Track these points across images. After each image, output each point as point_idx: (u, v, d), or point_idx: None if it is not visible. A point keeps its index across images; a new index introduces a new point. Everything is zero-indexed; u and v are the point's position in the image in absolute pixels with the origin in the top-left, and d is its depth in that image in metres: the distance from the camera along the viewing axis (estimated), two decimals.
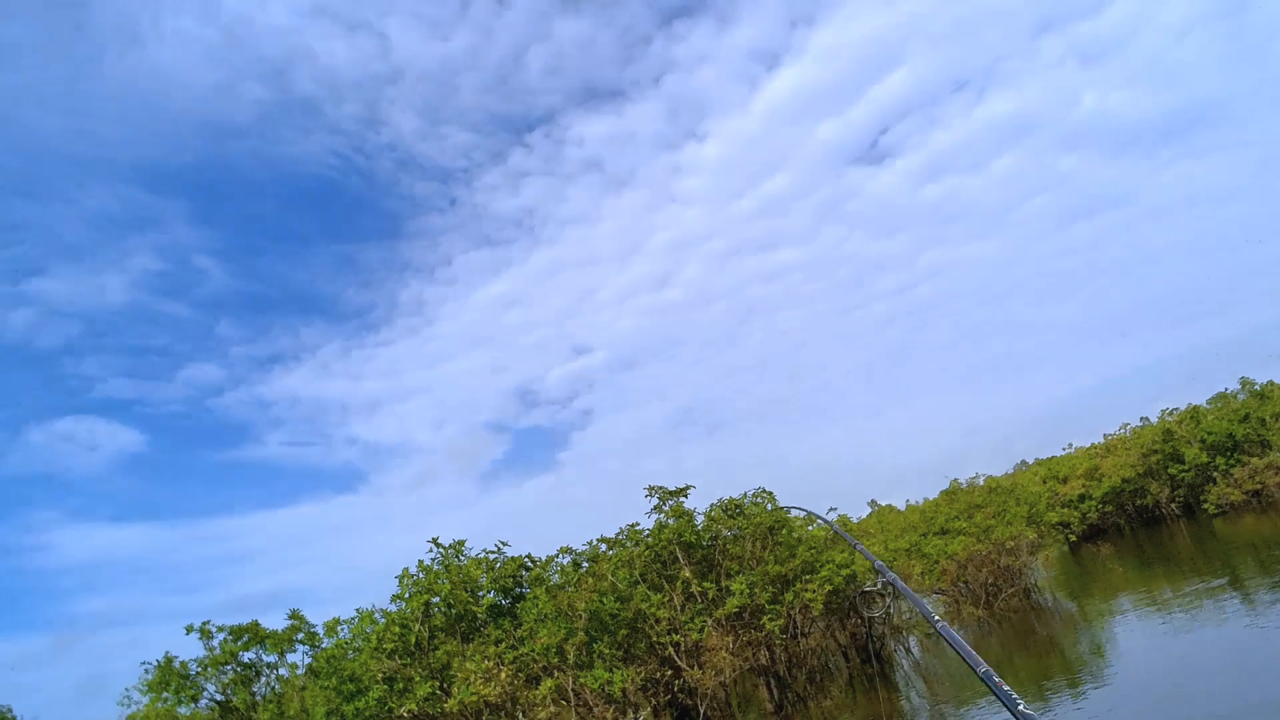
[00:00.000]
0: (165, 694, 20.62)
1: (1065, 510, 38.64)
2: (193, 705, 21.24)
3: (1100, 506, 40.17)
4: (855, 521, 26.59)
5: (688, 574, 17.33)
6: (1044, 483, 41.75)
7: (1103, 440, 46.24)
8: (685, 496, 18.03)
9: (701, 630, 16.67)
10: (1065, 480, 41.15)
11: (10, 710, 26.60)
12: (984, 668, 2.91)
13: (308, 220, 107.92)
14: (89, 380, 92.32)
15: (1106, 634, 18.75)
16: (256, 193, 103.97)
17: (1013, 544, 25.68)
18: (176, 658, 20.19)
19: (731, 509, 18.68)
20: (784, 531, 18.80)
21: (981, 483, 38.87)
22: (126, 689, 27.26)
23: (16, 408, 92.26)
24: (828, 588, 18.09)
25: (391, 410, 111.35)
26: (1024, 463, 59.93)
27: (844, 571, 18.80)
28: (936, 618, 3.34)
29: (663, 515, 18.20)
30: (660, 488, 18.05)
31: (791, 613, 18.07)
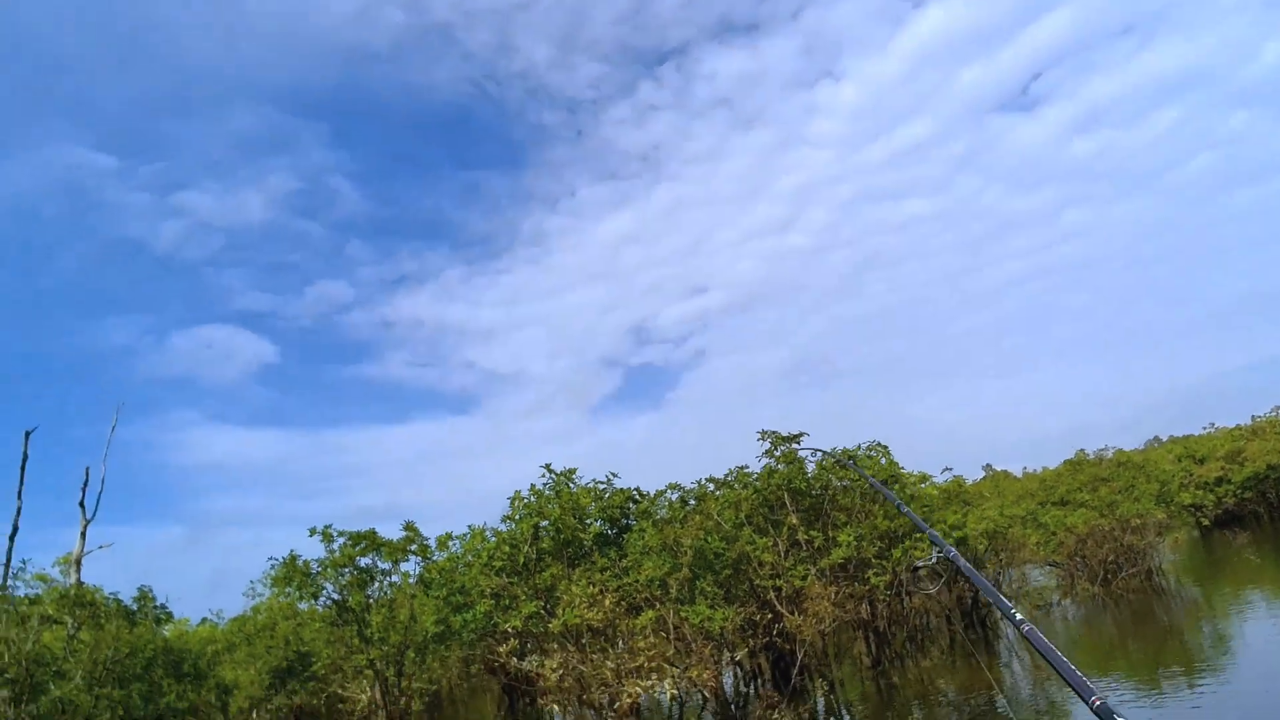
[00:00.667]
0: (288, 589, 21.84)
1: (1200, 492, 36.44)
2: (312, 601, 22.48)
3: (1240, 492, 37.71)
4: (969, 484, 25.80)
5: (794, 521, 17.16)
6: (1178, 461, 39.44)
7: (1250, 423, 43.28)
8: (798, 443, 17.80)
9: (804, 578, 16.52)
10: (1203, 461, 38.75)
11: (150, 590, 28.91)
12: (1067, 667, 2.63)
13: (437, 146, 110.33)
14: (228, 292, 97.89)
15: (1232, 626, 17.70)
16: (390, 118, 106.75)
17: (1139, 522, 24.43)
18: (300, 557, 21.34)
19: (844, 459, 18.33)
20: (896, 487, 18.36)
21: (1110, 455, 36.99)
22: (251, 581, 29.17)
23: (163, 314, 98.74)
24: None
25: (508, 338, 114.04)
26: (1157, 439, 56.76)
27: (956, 533, 18.26)
28: (1019, 616, 3.05)
29: (773, 460, 18.03)
30: (773, 432, 17.87)
31: (897, 570, 17.72)
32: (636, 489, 17.48)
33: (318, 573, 21.32)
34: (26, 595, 17.42)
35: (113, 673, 14.56)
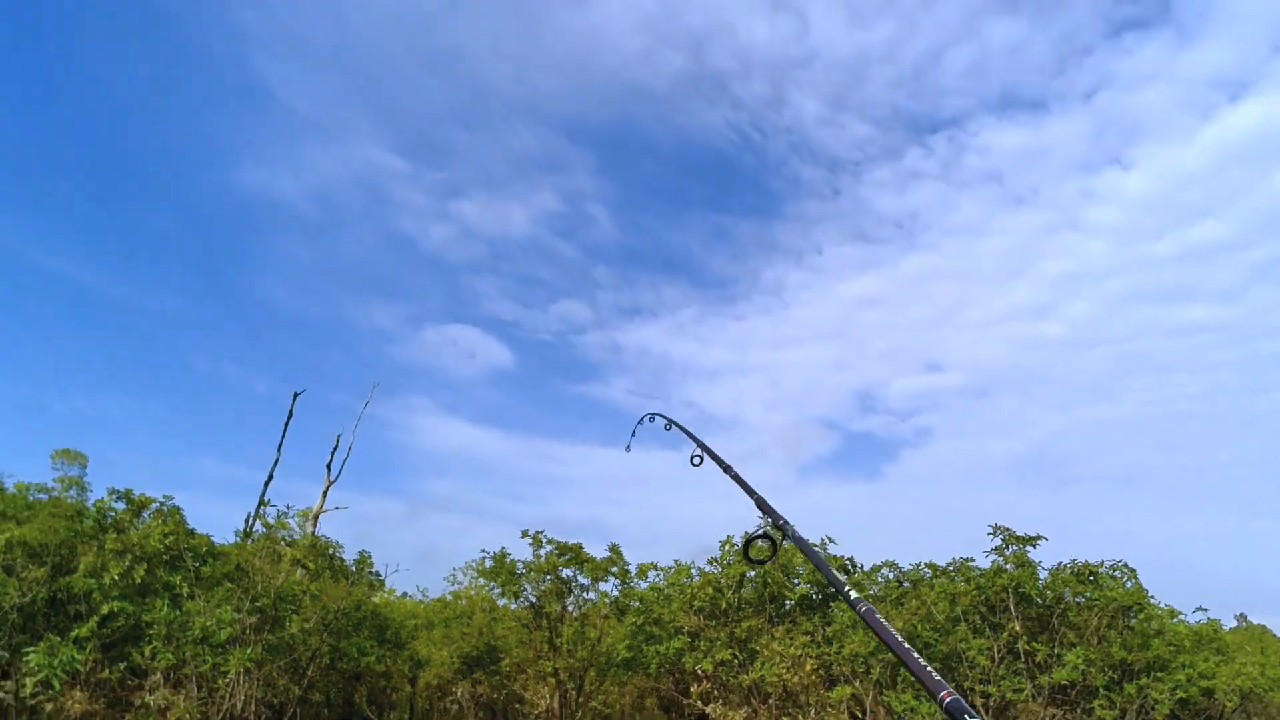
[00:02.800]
0: (493, 583, 22.84)
1: None
2: (512, 600, 23.38)
3: None
4: (1225, 631, 22.84)
5: (1017, 628, 15.92)
6: None
7: None
8: (1034, 545, 16.53)
9: (1019, 691, 15.27)
10: None
11: (370, 556, 31.27)
12: None
13: (694, 187, 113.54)
14: (480, 297, 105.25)
15: None
16: (654, 154, 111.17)
17: None
18: (509, 555, 22.29)
19: (1084, 574, 16.83)
20: (1141, 616, 16.61)
21: None
22: (454, 568, 30.79)
23: (421, 307, 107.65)
24: (1180, 694, 15.74)
25: (730, 382, 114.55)
26: None
27: (1204, 683, 16.24)
28: (862, 603, 2.46)
29: (1001, 559, 16.85)
30: (1007, 529, 16.71)
31: (1128, 707, 15.96)
32: (850, 559, 16.90)
33: (522, 574, 22.20)
34: (281, 536, 19.29)
35: (334, 623, 15.76)
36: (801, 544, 2.75)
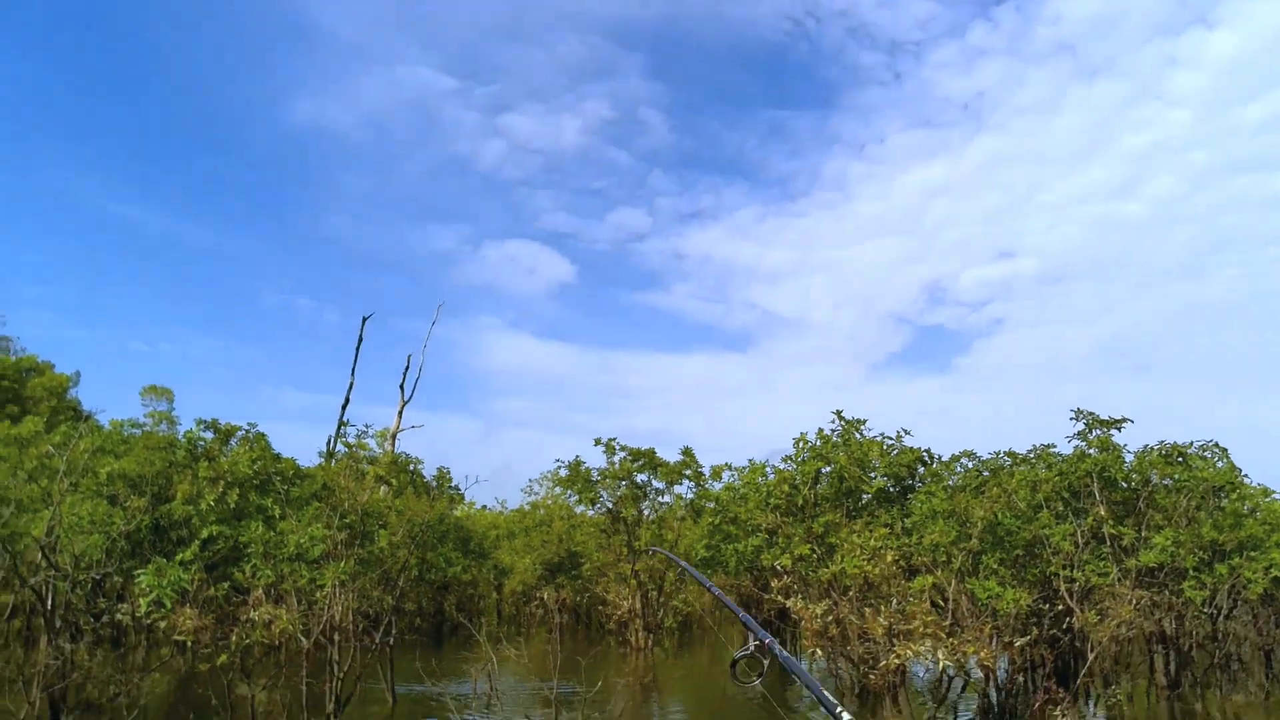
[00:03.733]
0: (570, 491, 23.26)
1: None
2: (589, 507, 23.83)
3: None
4: None
5: (1102, 512, 15.62)
6: None
7: None
8: (1118, 429, 16.09)
9: (1105, 575, 15.06)
10: None
11: (449, 471, 32.14)
12: None
13: (748, 84, 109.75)
14: (537, 211, 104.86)
15: None
16: (705, 52, 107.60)
17: None
18: (584, 463, 22.59)
19: (1172, 456, 16.36)
20: (1233, 496, 16.15)
21: None
22: (530, 480, 31.45)
23: (479, 226, 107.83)
24: (1275, 573, 15.36)
25: (794, 282, 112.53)
26: None
27: None
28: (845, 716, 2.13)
29: (1084, 443, 16.46)
30: (1089, 413, 16.27)
31: (1219, 587, 15.68)
32: (927, 450, 16.70)
33: (597, 481, 22.54)
34: (363, 456, 19.87)
35: (420, 536, 16.23)
36: (788, 663, 2.71)
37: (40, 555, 11.88)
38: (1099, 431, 16.40)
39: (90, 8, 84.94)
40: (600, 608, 24.52)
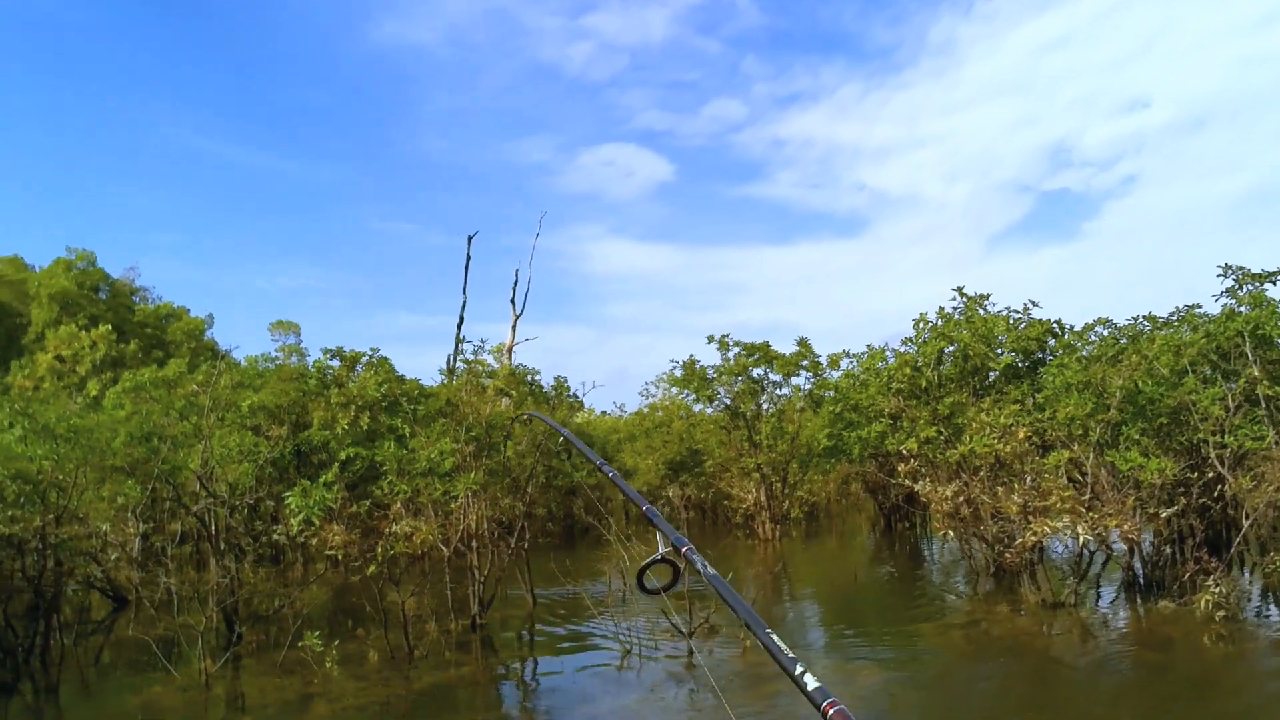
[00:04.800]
0: (686, 390, 23.33)
1: None
2: (706, 404, 23.88)
3: None
4: None
5: (1256, 373, 14.56)
6: None
7: None
8: (1273, 283, 14.82)
9: (1260, 439, 14.12)
10: None
11: (566, 380, 32.71)
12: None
13: None
14: (629, 111, 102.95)
15: None
16: None
17: None
18: (698, 362, 22.55)
19: None
20: None
21: None
22: (646, 382, 31.67)
23: (572, 133, 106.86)
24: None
25: (903, 159, 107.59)
26: None
27: None
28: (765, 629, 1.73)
29: (1233, 301, 15.26)
30: (1239, 268, 15.01)
31: None
32: (1057, 321, 15.84)
33: (713, 378, 22.51)
34: (481, 371, 20.38)
35: (544, 444, 16.58)
36: (707, 573, 2.21)
37: (198, 485, 12.73)
38: (1250, 287, 15.15)
39: None
40: (725, 502, 24.83)
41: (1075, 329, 15.82)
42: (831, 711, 1.46)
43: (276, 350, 41.08)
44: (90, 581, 13.07)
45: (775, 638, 1.78)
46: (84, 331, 36.56)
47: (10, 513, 10.82)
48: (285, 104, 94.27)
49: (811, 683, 1.59)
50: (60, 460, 11.89)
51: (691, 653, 10.53)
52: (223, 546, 12.11)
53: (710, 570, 2.19)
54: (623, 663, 10.30)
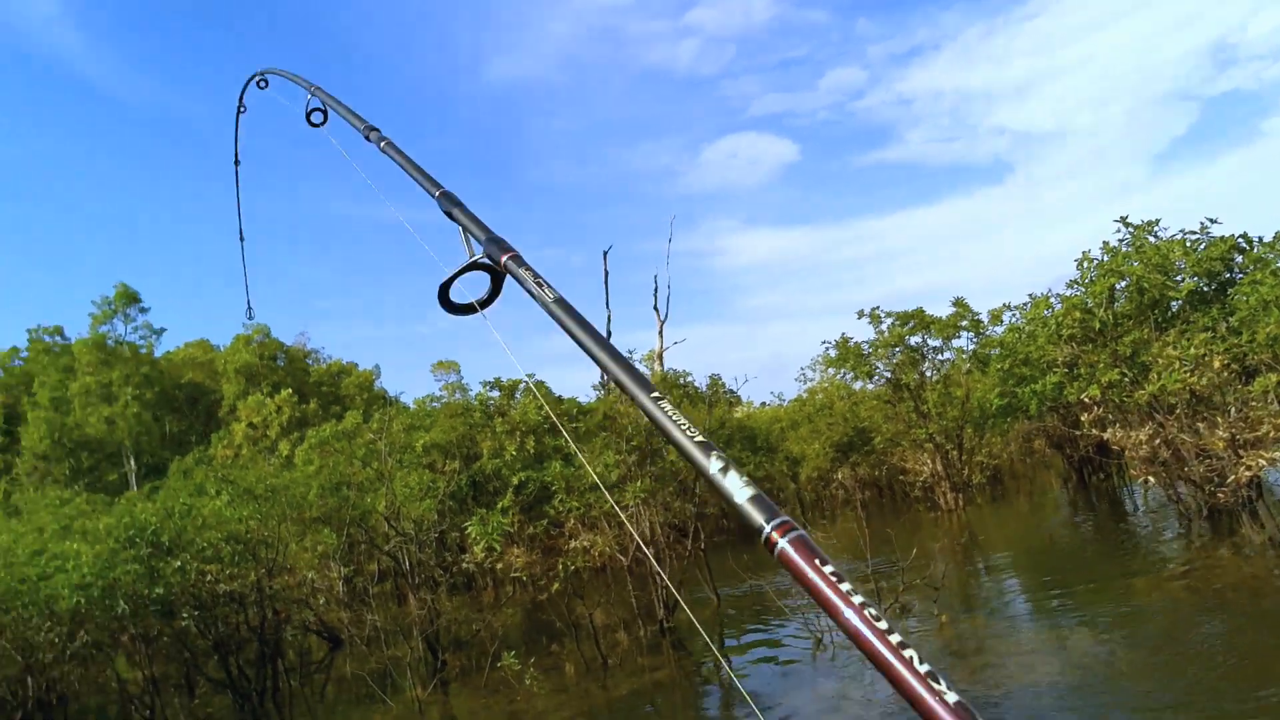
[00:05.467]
0: (843, 370, 22.80)
1: None
2: (866, 381, 23.24)
3: None
4: None
5: None
6: None
7: None
8: None
9: None
10: None
11: (720, 377, 32.56)
12: None
13: None
14: (744, 99, 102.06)
15: None
16: None
17: None
18: (851, 339, 21.99)
19: None
20: None
21: None
22: (800, 369, 31.18)
23: (690, 133, 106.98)
24: None
25: (1043, 92, 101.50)
26: None
27: None
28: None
29: None
30: None
31: None
32: (1242, 235, 14.41)
33: (869, 353, 21.88)
34: None
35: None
36: (537, 293, 1.64)
37: (387, 525, 13.45)
38: None
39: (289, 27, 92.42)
40: (900, 478, 24.06)
41: (1265, 240, 14.35)
42: (783, 540, 1.14)
43: (440, 389, 43.01)
44: (306, 625, 14.03)
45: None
46: (269, 398, 39.55)
47: (229, 571, 11.78)
48: (420, 152, 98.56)
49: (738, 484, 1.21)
50: (264, 518, 12.88)
51: None
52: (417, 580, 12.73)
53: (549, 291, 1.66)
54: (815, 653, 10.10)
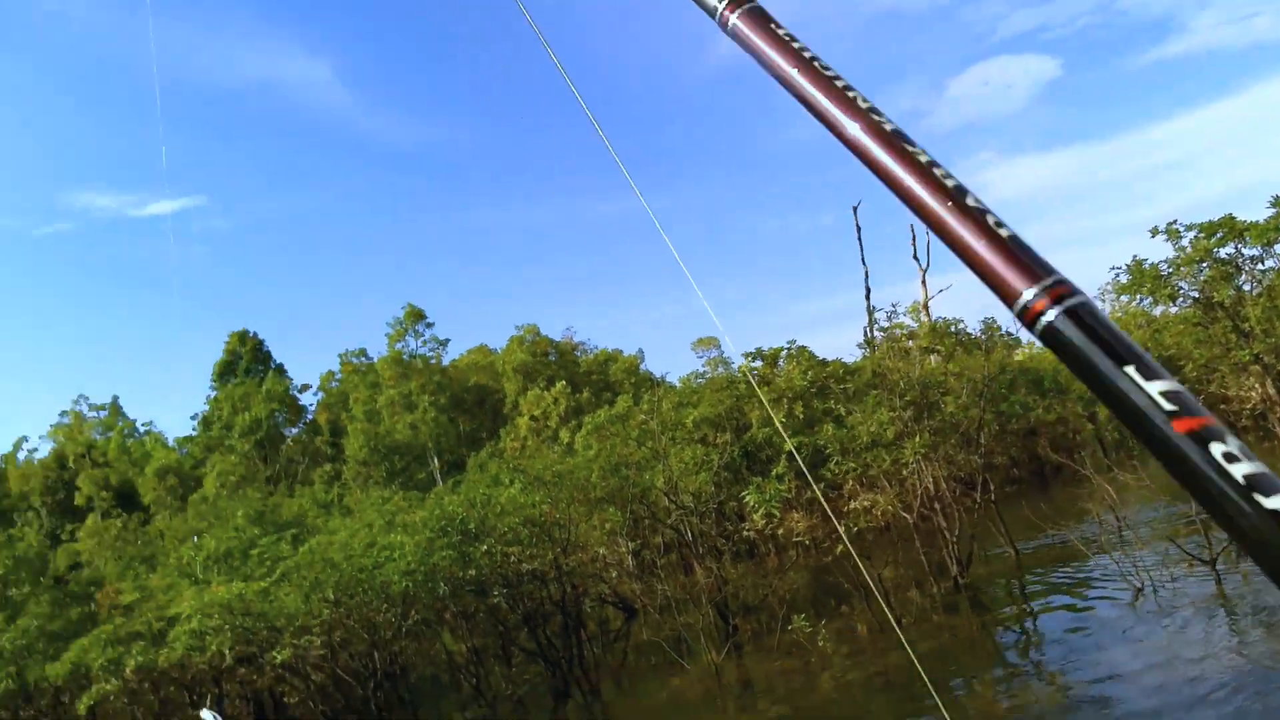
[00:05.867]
0: (1138, 295, 20.53)
1: None
2: (1167, 304, 20.79)
3: None
4: None
5: None
6: None
7: None
8: None
9: None
10: None
11: (994, 320, 30.47)
12: None
13: None
14: (990, 22, 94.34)
15: None
16: None
17: None
18: (1144, 260, 19.71)
19: None
20: None
21: None
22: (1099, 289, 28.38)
23: (933, 70, 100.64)
24: None
25: None
26: None
27: None
28: None
29: None
30: None
31: None
32: None
33: (1169, 274, 19.47)
34: (900, 334, 19.82)
35: (986, 391, 15.56)
36: None
37: (667, 500, 13.90)
38: None
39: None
40: (1221, 407, 21.28)
41: None
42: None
43: (703, 365, 43.75)
44: (602, 598, 14.84)
45: None
46: (546, 392, 42.33)
47: (529, 551, 12.72)
48: (654, 151, 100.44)
49: None
50: (554, 501, 13.77)
51: (1219, 581, 9.04)
52: (701, 550, 13.05)
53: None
54: (1135, 601, 9.16)
